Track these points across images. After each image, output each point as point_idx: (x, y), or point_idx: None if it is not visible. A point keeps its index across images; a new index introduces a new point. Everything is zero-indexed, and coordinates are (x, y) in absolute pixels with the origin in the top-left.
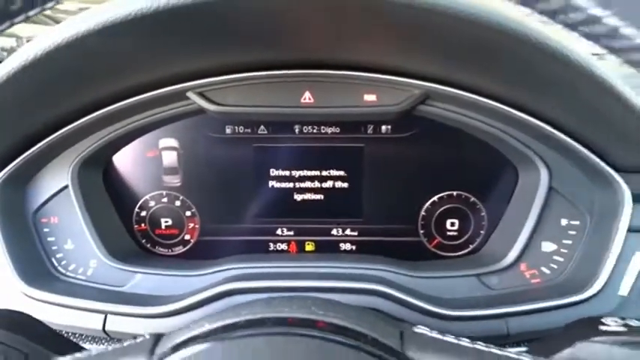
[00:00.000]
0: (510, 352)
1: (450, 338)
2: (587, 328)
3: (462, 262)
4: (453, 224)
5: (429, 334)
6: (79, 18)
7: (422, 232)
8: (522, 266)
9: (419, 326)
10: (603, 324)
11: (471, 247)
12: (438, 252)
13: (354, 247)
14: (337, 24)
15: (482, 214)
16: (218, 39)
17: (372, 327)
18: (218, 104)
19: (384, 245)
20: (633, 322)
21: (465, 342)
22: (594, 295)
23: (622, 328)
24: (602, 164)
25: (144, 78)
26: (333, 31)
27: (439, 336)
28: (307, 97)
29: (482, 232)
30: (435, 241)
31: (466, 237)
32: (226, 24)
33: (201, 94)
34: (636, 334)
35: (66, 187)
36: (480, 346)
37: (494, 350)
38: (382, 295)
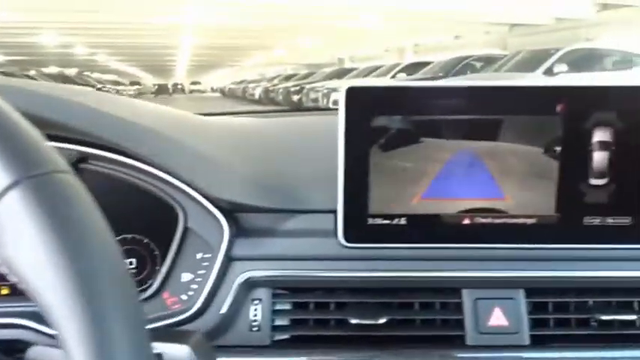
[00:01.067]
0: None
1: None
2: None
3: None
4: (131, 263)
5: None
6: None
7: None
8: (165, 294)
9: None
10: None
11: (150, 283)
12: None
13: None
14: None
15: (156, 252)
16: None
17: None
18: None
19: None
20: None
21: None
22: (199, 313)
23: None
24: (212, 208)
25: None
26: None
27: None
28: None
29: (158, 268)
30: None
31: (143, 275)
32: None
33: None
34: None
35: None
36: None
37: None
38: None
